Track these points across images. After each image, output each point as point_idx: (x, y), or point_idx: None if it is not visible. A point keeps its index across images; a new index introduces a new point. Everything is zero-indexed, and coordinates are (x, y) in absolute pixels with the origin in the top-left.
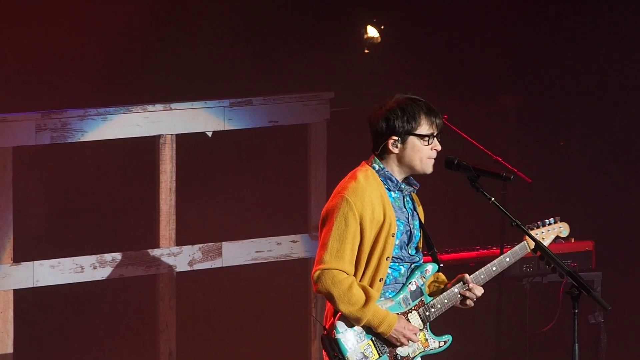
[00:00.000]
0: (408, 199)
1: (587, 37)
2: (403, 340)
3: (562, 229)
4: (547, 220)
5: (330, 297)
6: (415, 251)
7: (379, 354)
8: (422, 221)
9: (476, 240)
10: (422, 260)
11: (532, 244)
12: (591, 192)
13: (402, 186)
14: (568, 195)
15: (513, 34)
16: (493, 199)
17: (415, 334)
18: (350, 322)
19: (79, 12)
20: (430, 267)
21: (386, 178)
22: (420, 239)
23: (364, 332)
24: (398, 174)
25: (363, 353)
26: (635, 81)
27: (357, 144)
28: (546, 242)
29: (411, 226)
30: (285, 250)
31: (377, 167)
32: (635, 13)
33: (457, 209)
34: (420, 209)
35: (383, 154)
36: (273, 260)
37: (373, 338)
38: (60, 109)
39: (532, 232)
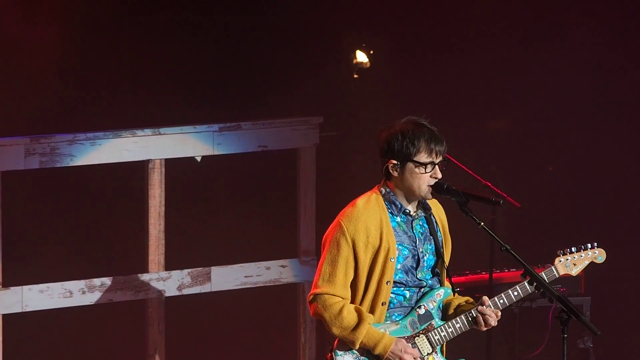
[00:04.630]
0: (421, 222)
1: (575, 58)
2: (406, 357)
3: (598, 255)
4: (582, 246)
5: (323, 321)
6: (430, 275)
7: None
8: (444, 245)
9: (465, 265)
10: (437, 285)
11: (561, 271)
12: (580, 216)
13: (407, 210)
14: (557, 220)
15: (501, 57)
16: (482, 223)
17: (415, 358)
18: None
19: (67, 33)
20: (442, 292)
21: (390, 202)
22: (436, 263)
23: (364, 356)
24: (402, 198)
25: None
26: (624, 103)
27: (346, 169)
28: (579, 268)
29: (419, 250)
30: (275, 275)
31: (383, 191)
32: (621, 33)
33: None
34: (444, 233)
35: (388, 176)
36: (262, 285)
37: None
38: (49, 133)
39: (563, 257)
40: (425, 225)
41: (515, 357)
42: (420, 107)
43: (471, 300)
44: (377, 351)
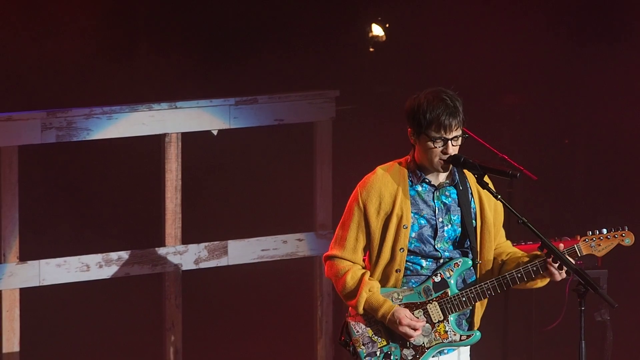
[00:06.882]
0: (448, 193)
1: (591, 34)
2: (401, 329)
3: (625, 237)
4: (612, 228)
5: (333, 283)
6: (452, 247)
7: (388, 340)
8: (479, 216)
9: None
10: (457, 256)
11: (584, 249)
12: (596, 189)
13: (427, 180)
14: (573, 193)
15: (517, 32)
16: (499, 196)
17: (415, 329)
18: None
19: (82, 11)
20: (461, 262)
21: (412, 171)
22: (458, 234)
23: (376, 318)
24: (424, 167)
25: (371, 338)
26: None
27: (362, 142)
28: (604, 249)
29: (438, 220)
30: (291, 249)
31: (408, 159)
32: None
33: None
34: (480, 204)
35: (414, 144)
36: (279, 258)
37: (385, 324)
38: (66, 107)
39: (589, 239)
40: (454, 196)
41: (533, 330)
42: (435, 81)
43: (524, 254)
44: (379, 316)
